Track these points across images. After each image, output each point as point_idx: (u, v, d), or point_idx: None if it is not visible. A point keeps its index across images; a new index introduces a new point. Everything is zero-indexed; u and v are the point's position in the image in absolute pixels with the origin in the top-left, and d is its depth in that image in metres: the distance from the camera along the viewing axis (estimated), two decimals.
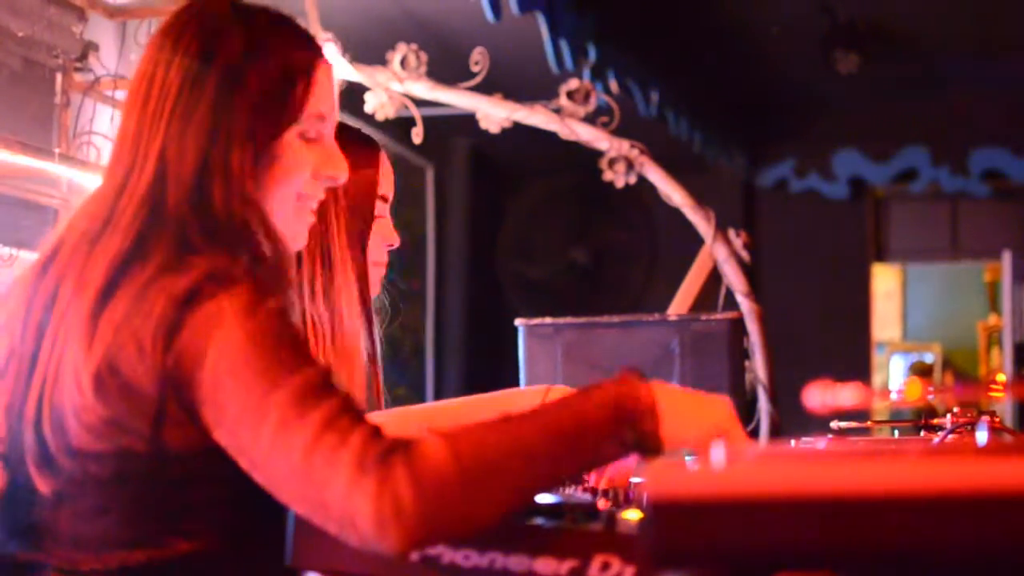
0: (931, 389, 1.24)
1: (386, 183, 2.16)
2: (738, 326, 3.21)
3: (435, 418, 2.13)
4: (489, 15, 4.15)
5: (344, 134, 1.96)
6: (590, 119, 4.10)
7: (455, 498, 1.29)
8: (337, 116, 1.70)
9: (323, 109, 1.63)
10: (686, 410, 1.41)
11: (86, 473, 1.44)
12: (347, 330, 2.09)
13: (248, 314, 1.39)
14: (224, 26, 1.59)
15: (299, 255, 2.09)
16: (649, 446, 1.38)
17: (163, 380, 1.40)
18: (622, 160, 4.05)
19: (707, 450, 1.38)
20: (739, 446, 1.41)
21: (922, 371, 10.08)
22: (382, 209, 2.16)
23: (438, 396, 6.75)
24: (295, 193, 1.62)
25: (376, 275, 2.17)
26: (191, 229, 1.49)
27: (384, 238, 2.16)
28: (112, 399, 1.41)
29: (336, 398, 1.35)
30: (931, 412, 2.32)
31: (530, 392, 2.22)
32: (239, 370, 1.37)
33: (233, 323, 1.38)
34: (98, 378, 1.41)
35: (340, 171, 1.67)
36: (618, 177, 4.07)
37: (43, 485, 1.46)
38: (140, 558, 1.45)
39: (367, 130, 2.26)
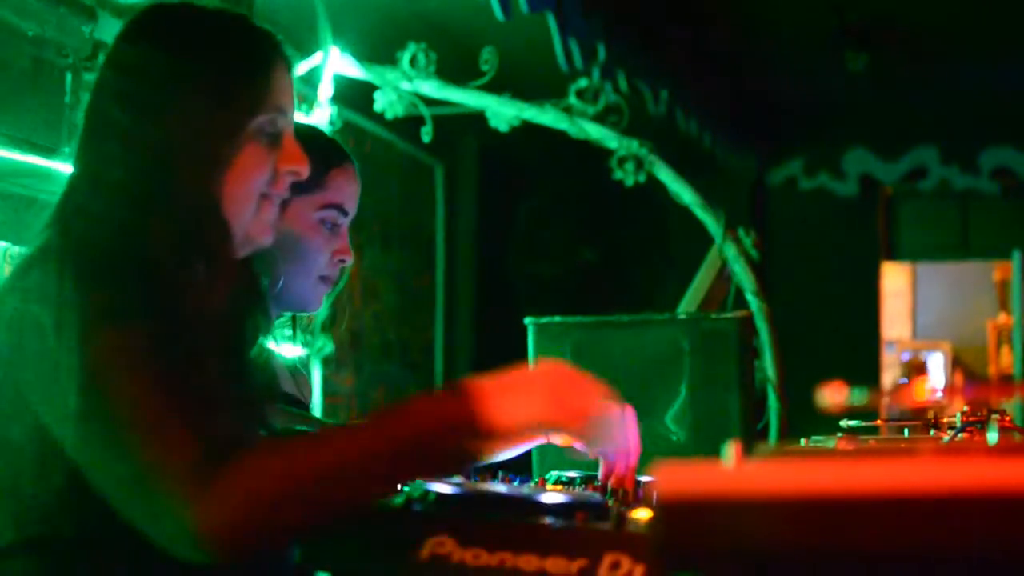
0: (933, 387, 1.24)
1: (341, 195, 2.11)
2: (748, 325, 3.20)
3: None
4: (499, 14, 4.15)
5: (311, 140, 1.96)
6: (599, 118, 4.10)
7: (272, 512, 1.32)
8: (294, 115, 1.71)
9: (283, 104, 1.65)
10: (516, 397, 1.42)
11: None
12: None
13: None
14: (181, 25, 1.64)
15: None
16: (480, 448, 1.41)
17: None
18: (632, 159, 4.05)
19: (554, 429, 1.48)
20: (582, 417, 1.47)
21: (917, 368, 10.06)
22: (338, 220, 2.11)
23: None
24: (257, 191, 1.64)
25: (323, 289, 2.11)
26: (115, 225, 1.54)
27: (336, 252, 2.10)
28: None
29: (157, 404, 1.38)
30: (925, 411, 2.32)
31: None
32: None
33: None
34: None
35: (301, 167, 1.68)
36: (628, 176, 4.06)
37: None
38: None
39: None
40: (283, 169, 1.66)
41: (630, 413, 2.15)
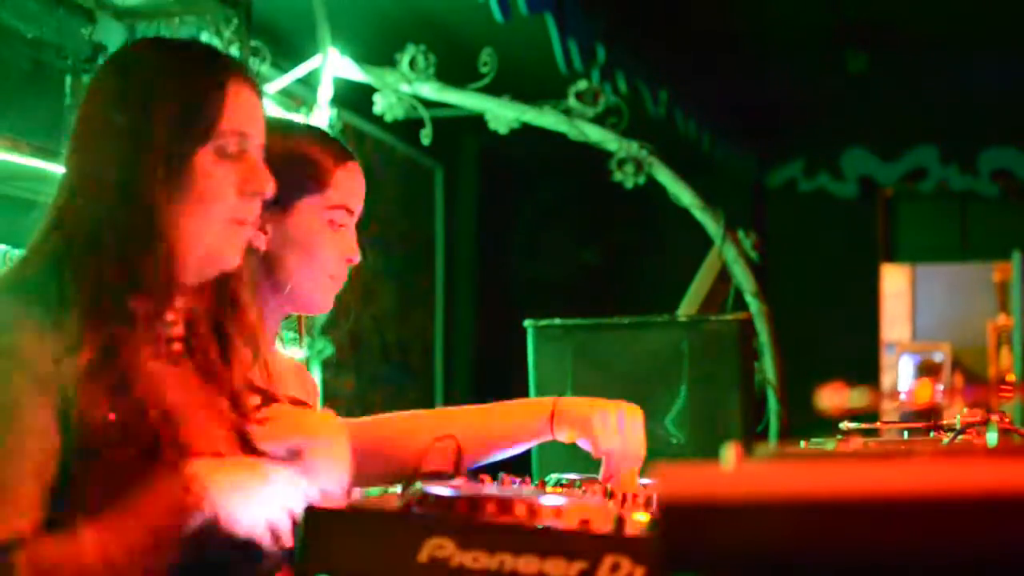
0: (940, 389, 1.24)
1: (348, 195, 2.10)
2: (747, 326, 3.21)
3: (444, 427, 2.12)
4: (498, 15, 4.15)
5: (315, 140, 1.98)
6: (599, 120, 4.10)
7: None
8: (262, 134, 1.73)
9: (243, 127, 1.68)
10: (245, 496, 1.53)
11: None
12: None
13: None
14: (138, 57, 1.73)
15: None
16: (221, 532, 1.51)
17: None
18: (631, 161, 4.05)
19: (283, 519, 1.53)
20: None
21: (930, 370, 10.04)
22: (345, 220, 2.10)
23: (447, 397, 6.76)
24: (222, 214, 1.67)
25: (332, 288, 2.12)
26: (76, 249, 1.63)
27: (343, 251, 2.10)
28: None
29: None
30: (933, 412, 2.32)
31: (536, 403, 2.21)
32: None
33: None
34: None
35: (264, 186, 1.70)
36: (627, 178, 4.06)
37: None
38: None
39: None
40: (247, 190, 1.68)
41: (636, 415, 2.14)
